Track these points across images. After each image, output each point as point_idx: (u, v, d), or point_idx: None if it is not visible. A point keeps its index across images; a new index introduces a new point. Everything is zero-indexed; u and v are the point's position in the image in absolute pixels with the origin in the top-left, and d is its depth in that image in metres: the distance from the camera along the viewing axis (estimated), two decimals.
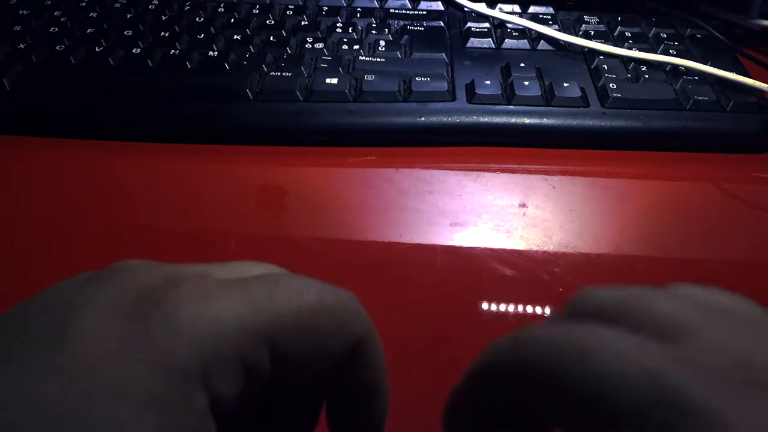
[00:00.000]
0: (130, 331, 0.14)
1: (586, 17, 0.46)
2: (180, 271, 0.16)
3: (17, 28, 0.42)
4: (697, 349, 0.14)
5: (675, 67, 0.41)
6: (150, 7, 0.45)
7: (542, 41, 0.44)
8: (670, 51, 0.42)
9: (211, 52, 0.40)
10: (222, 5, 0.45)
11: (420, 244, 0.32)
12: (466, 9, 0.47)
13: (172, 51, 0.40)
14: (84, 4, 0.45)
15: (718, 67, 0.40)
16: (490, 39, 0.44)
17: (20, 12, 0.43)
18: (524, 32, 0.44)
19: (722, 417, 0.12)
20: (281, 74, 0.39)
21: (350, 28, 0.44)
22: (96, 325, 0.14)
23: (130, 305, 0.15)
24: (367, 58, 0.41)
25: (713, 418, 0.12)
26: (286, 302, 0.16)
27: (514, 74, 0.40)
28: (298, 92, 0.38)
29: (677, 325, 0.15)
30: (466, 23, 0.45)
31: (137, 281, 0.15)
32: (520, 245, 0.32)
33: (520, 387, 0.16)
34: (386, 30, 0.44)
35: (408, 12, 0.47)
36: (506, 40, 0.44)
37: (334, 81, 0.38)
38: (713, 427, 0.12)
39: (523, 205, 0.34)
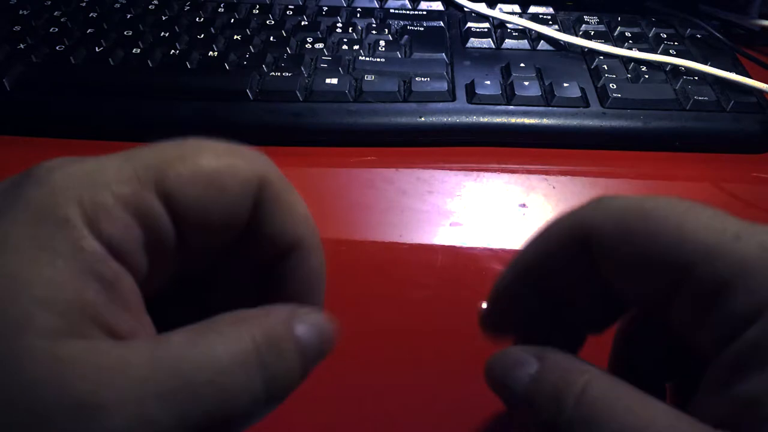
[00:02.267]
0: (5, 199, 0.14)
1: (586, 17, 0.46)
2: None
3: (17, 28, 0.42)
4: None
5: (675, 67, 0.40)
6: (150, 7, 0.45)
7: (542, 41, 0.44)
8: (670, 51, 0.42)
9: (211, 52, 0.40)
10: (222, 5, 0.45)
11: (420, 244, 0.32)
12: (466, 9, 0.47)
13: (172, 51, 0.40)
14: (84, 4, 0.45)
15: (718, 67, 0.40)
16: (490, 39, 0.44)
17: (20, 12, 0.43)
18: (524, 32, 0.44)
19: None
20: (281, 74, 0.39)
21: (350, 28, 0.44)
22: None
23: (9, 183, 0.15)
24: (367, 58, 0.41)
25: None
26: (171, 151, 0.16)
27: (514, 74, 0.40)
28: (298, 92, 0.38)
29: None
30: (466, 23, 0.45)
31: (21, 173, 0.16)
32: (520, 245, 0.32)
33: (607, 252, 0.17)
34: (386, 30, 0.44)
35: (408, 12, 0.47)
36: (506, 40, 0.44)
37: (334, 81, 0.38)
38: None
39: (523, 205, 0.34)
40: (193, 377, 0.13)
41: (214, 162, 0.16)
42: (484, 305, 0.21)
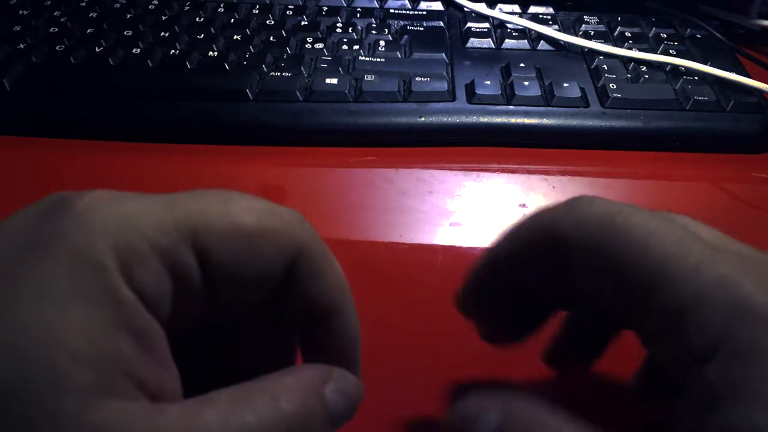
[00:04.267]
0: (42, 234, 0.14)
1: (586, 17, 0.46)
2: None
3: (17, 28, 0.42)
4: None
5: (675, 67, 0.40)
6: (150, 7, 0.45)
7: (542, 41, 0.44)
8: (670, 51, 0.42)
9: (211, 52, 0.40)
10: (222, 5, 0.45)
11: (420, 244, 0.32)
12: (466, 9, 0.47)
13: (172, 51, 0.40)
14: (84, 4, 0.45)
15: (718, 67, 0.40)
16: (490, 39, 0.44)
17: (20, 12, 0.43)
18: (524, 32, 0.44)
19: None
20: (281, 74, 0.39)
21: (350, 28, 0.44)
22: (8, 233, 0.14)
23: (43, 212, 0.15)
24: (367, 58, 0.41)
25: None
26: (210, 204, 0.16)
27: (514, 74, 0.40)
28: (298, 92, 0.38)
29: None
30: (466, 23, 0.45)
31: (53, 197, 0.15)
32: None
33: (573, 258, 0.17)
34: (386, 30, 0.44)
35: (408, 12, 0.47)
36: (506, 40, 0.44)
37: (334, 81, 0.38)
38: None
39: (523, 205, 0.34)
40: None
41: (254, 223, 0.16)
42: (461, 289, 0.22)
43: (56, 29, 0.42)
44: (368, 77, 0.39)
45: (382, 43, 0.42)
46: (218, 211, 0.16)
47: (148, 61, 0.39)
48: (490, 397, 0.17)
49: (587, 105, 0.38)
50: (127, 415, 0.13)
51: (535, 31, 0.44)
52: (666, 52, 0.42)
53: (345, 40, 0.43)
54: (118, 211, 0.14)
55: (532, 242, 0.19)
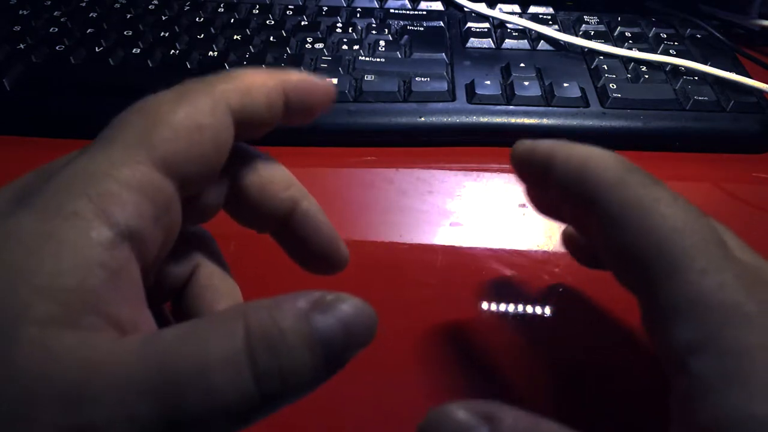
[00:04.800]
0: (22, 196, 0.15)
1: (586, 17, 0.46)
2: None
3: (17, 28, 0.42)
4: None
5: (675, 67, 0.40)
6: (150, 7, 0.45)
7: (542, 41, 0.44)
8: (670, 51, 0.42)
9: (211, 52, 0.40)
10: (222, 5, 0.45)
11: (420, 244, 0.32)
12: (466, 9, 0.47)
13: (172, 51, 0.40)
14: (84, 4, 0.45)
15: (718, 67, 0.40)
16: (490, 39, 0.44)
17: (20, 12, 0.43)
18: (524, 32, 0.44)
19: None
20: None
21: (350, 28, 0.44)
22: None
23: (25, 179, 0.17)
24: (367, 58, 0.41)
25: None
26: (149, 115, 0.17)
27: (514, 74, 0.40)
28: None
29: None
30: (466, 23, 0.45)
31: (20, 178, 0.17)
32: (520, 245, 0.32)
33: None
34: (386, 30, 0.44)
35: (408, 12, 0.47)
36: (506, 40, 0.44)
37: (334, 81, 0.38)
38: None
39: (523, 205, 0.34)
40: (178, 373, 0.13)
41: (181, 111, 0.17)
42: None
43: (56, 29, 0.42)
44: (368, 77, 0.39)
45: (382, 43, 0.42)
46: (157, 119, 0.17)
47: (148, 61, 0.39)
48: (471, 406, 0.15)
49: (587, 105, 0.38)
50: (84, 342, 0.13)
51: (535, 31, 0.44)
52: (666, 52, 0.42)
53: (345, 40, 0.43)
54: (82, 164, 0.15)
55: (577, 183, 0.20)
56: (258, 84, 0.19)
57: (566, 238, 0.25)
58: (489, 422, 0.15)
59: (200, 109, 0.17)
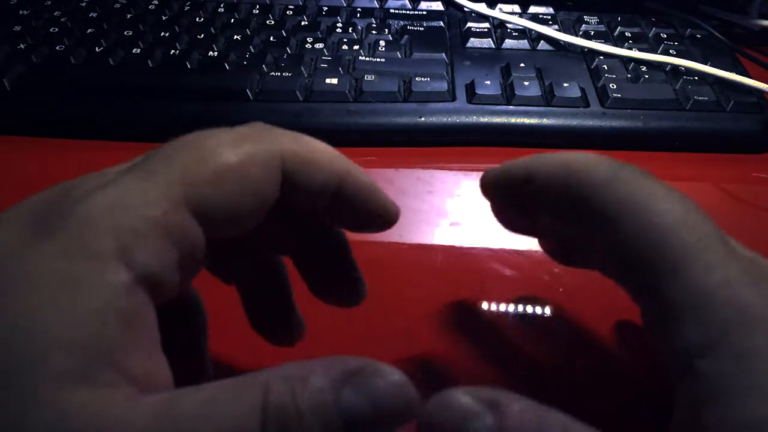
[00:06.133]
0: (40, 225, 0.14)
1: (586, 17, 0.46)
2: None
3: (17, 28, 0.42)
4: None
5: (675, 67, 0.40)
6: (150, 7, 0.45)
7: (542, 41, 0.44)
8: (670, 51, 0.42)
9: (211, 52, 0.40)
10: (222, 5, 0.45)
11: (420, 244, 0.32)
12: (466, 9, 0.47)
13: (172, 51, 0.40)
14: (84, 4, 0.45)
15: (718, 67, 0.40)
16: (490, 39, 0.44)
17: (20, 12, 0.43)
18: (524, 32, 0.44)
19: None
20: (281, 74, 0.39)
21: (350, 28, 0.44)
22: (9, 226, 0.15)
23: (43, 204, 0.15)
24: (367, 58, 0.41)
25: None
26: (188, 153, 0.16)
27: (514, 74, 0.40)
28: (298, 92, 0.38)
29: None
30: (466, 23, 0.45)
31: (54, 187, 0.16)
32: (520, 245, 0.32)
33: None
34: (386, 30, 0.44)
35: (408, 12, 0.47)
36: (506, 40, 0.44)
37: (334, 81, 0.38)
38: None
39: None
40: None
41: (233, 156, 0.16)
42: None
43: (56, 29, 0.42)
44: (368, 77, 0.39)
45: (382, 43, 0.42)
46: (199, 158, 0.16)
47: (148, 61, 0.39)
48: (475, 393, 0.15)
49: (587, 105, 0.38)
50: (100, 402, 0.13)
51: (535, 31, 0.44)
52: (666, 52, 0.42)
53: (345, 40, 0.43)
54: (106, 198, 0.15)
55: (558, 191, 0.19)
56: (323, 160, 0.18)
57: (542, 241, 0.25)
58: (495, 409, 0.14)
59: (253, 159, 0.16)
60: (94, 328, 0.13)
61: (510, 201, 0.22)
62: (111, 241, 0.14)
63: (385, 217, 0.21)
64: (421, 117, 0.37)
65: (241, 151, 0.16)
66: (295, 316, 0.22)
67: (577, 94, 0.38)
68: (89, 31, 0.42)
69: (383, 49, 0.42)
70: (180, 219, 0.15)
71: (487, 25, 0.45)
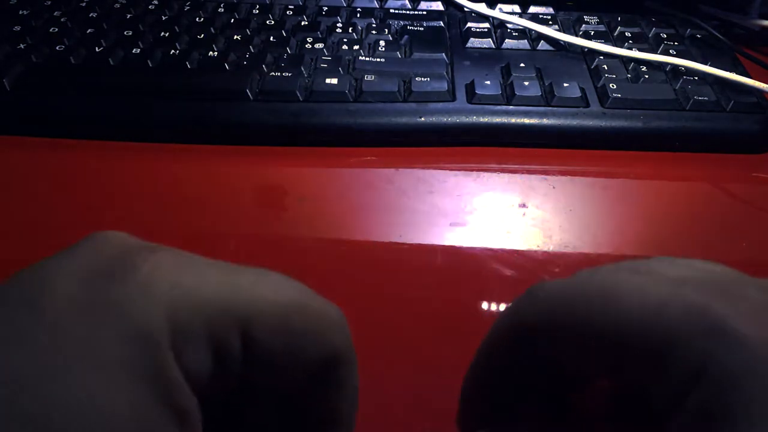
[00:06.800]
0: (101, 296, 0.14)
1: (586, 17, 0.46)
2: (158, 245, 0.15)
3: (17, 28, 0.42)
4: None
5: (675, 67, 0.40)
6: (150, 7, 0.45)
7: (542, 41, 0.44)
8: (670, 51, 0.42)
9: (211, 52, 0.40)
10: (222, 5, 0.45)
11: (420, 244, 0.32)
12: (466, 9, 0.47)
13: (172, 51, 0.40)
14: (84, 4, 0.45)
15: (718, 67, 0.40)
16: (490, 39, 0.44)
17: (20, 12, 0.43)
18: (524, 32, 0.44)
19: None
20: (281, 74, 0.39)
21: (350, 28, 0.44)
22: (65, 292, 0.14)
23: (103, 270, 0.14)
24: (367, 58, 0.41)
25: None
26: (269, 292, 0.15)
27: (514, 74, 0.40)
28: (298, 92, 0.38)
29: None
30: (466, 23, 0.45)
31: (111, 247, 0.15)
32: (520, 245, 0.32)
33: (547, 346, 0.17)
34: (386, 30, 0.44)
35: (408, 12, 0.47)
36: (506, 40, 0.44)
37: (334, 81, 0.38)
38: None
39: (523, 205, 0.34)
40: None
41: (302, 320, 0.16)
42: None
43: (56, 29, 0.42)
44: (368, 77, 0.39)
45: (382, 43, 0.42)
46: (272, 301, 0.15)
47: (148, 61, 0.39)
48: None
49: (587, 105, 0.38)
50: None
51: (535, 31, 0.44)
52: (666, 52, 0.42)
53: (345, 40, 0.43)
54: (180, 285, 0.14)
55: (509, 344, 0.18)
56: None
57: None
58: None
59: None
60: (151, 421, 0.13)
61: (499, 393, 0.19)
62: (168, 332, 0.14)
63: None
64: (421, 117, 0.37)
65: (312, 322, 0.16)
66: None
67: (577, 94, 0.38)
68: (89, 31, 0.42)
69: (383, 49, 0.42)
70: (230, 340, 0.15)
71: (487, 25, 0.45)
